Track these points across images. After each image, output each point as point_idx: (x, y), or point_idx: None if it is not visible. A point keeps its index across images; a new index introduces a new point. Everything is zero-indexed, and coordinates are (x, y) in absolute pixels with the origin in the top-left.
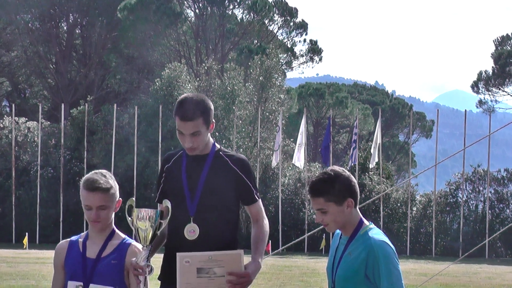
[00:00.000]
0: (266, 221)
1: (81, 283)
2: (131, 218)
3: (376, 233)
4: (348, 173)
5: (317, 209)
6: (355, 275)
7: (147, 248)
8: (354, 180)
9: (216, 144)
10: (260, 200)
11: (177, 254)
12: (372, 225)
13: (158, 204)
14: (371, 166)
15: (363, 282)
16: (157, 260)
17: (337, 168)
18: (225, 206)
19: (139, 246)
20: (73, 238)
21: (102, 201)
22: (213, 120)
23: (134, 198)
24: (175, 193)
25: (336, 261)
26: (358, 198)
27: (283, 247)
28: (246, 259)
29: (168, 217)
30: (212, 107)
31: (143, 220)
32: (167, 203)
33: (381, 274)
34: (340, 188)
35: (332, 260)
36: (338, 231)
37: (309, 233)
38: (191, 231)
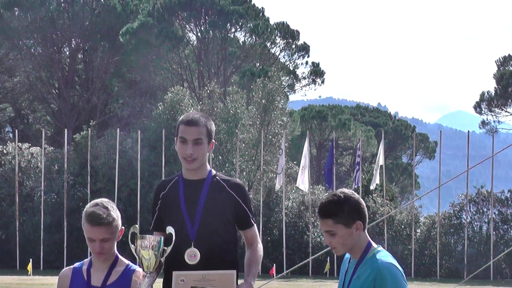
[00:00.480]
0: (260, 246)
1: None
2: (134, 245)
3: (384, 256)
4: (357, 195)
5: (325, 231)
6: None
7: (151, 276)
8: (364, 203)
9: (212, 170)
10: (255, 225)
11: (173, 272)
12: (380, 248)
13: (154, 232)
14: (371, 187)
15: None
16: (158, 284)
17: (346, 190)
18: (225, 229)
19: (143, 273)
20: (76, 265)
21: (105, 234)
22: (214, 141)
23: (137, 226)
24: (174, 219)
25: (345, 285)
26: (367, 221)
27: (287, 271)
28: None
29: (172, 244)
30: (214, 128)
31: (147, 249)
32: (170, 230)
33: None
34: (350, 210)
35: (342, 285)
36: (347, 255)
37: (313, 256)
38: (192, 255)
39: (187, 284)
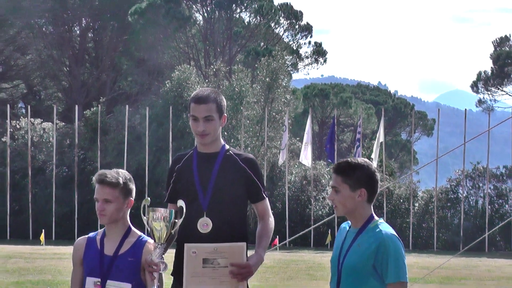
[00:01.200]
0: (271, 219)
1: (99, 279)
2: (146, 217)
3: (387, 227)
4: (374, 169)
5: (332, 186)
6: (363, 266)
7: (162, 246)
8: (377, 178)
9: (225, 144)
10: (267, 198)
11: (185, 244)
12: (382, 220)
13: (168, 204)
14: (374, 163)
15: (370, 273)
16: (170, 255)
17: (367, 160)
18: (235, 201)
19: (154, 243)
20: (91, 235)
21: (108, 195)
22: (226, 114)
23: (149, 198)
24: (187, 190)
25: (343, 251)
26: (375, 195)
27: (290, 239)
28: (250, 252)
29: (182, 217)
30: (225, 102)
31: (158, 220)
32: (181, 203)
33: (389, 266)
34: (359, 176)
35: (339, 251)
36: (344, 225)
37: (315, 225)
38: (204, 224)
39: (199, 256)
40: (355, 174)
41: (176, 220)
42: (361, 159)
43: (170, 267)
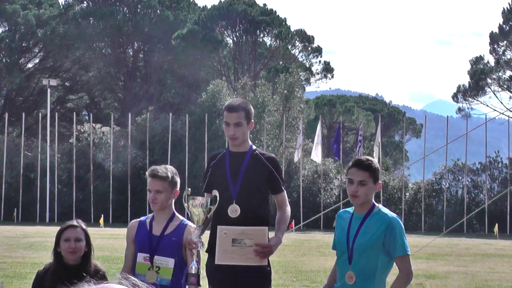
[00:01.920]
0: (288, 208)
1: (148, 255)
2: (187, 204)
3: (389, 211)
4: None
5: (359, 180)
6: (375, 244)
7: (199, 228)
8: None
9: (253, 145)
10: (285, 191)
11: (218, 226)
12: (381, 206)
13: (205, 193)
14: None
15: (380, 249)
16: (206, 235)
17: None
18: (260, 192)
19: (193, 226)
20: (142, 218)
21: (159, 186)
22: (253, 120)
23: (189, 189)
24: (220, 182)
25: (351, 234)
26: None
27: (303, 223)
28: (271, 234)
29: (216, 204)
30: (253, 110)
31: (196, 207)
32: (215, 192)
33: (396, 242)
34: (378, 172)
35: (346, 234)
36: (343, 213)
37: (324, 211)
38: (234, 211)
39: (229, 236)
40: (376, 169)
41: (211, 207)
42: (371, 158)
43: (206, 246)
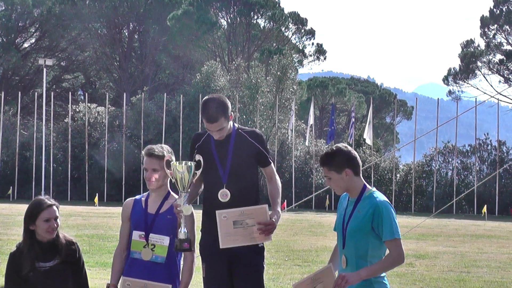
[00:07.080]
0: (278, 177)
1: (143, 233)
2: (171, 169)
3: (380, 195)
4: (349, 148)
5: (325, 175)
6: (363, 227)
7: (186, 193)
8: (354, 155)
9: (235, 124)
10: (272, 163)
11: (216, 212)
12: (375, 189)
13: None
14: (368, 141)
15: (369, 233)
16: (198, 216)
17: (340, 144)
18: (249, 172)
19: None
20: (137, 197)
21: (155, 165)
22: (232, 113)
23: (174, 158)
24: (208, 167)
25: (346, 218)
26: (359, 168)
27: (295, 204)
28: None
29: (201, 169)
30: (229, 105)
31: (181, 164)
32: (198, 157)
33: (384, 226)
34: (339, 160)
35: (342, 217)
36: (344, 195)
37: (315, 193)
38: (224, 195)
39: (229, 220)
40: (335, 160)
41: (196, 172)
42: (334, 146)
43: (198, 224)
